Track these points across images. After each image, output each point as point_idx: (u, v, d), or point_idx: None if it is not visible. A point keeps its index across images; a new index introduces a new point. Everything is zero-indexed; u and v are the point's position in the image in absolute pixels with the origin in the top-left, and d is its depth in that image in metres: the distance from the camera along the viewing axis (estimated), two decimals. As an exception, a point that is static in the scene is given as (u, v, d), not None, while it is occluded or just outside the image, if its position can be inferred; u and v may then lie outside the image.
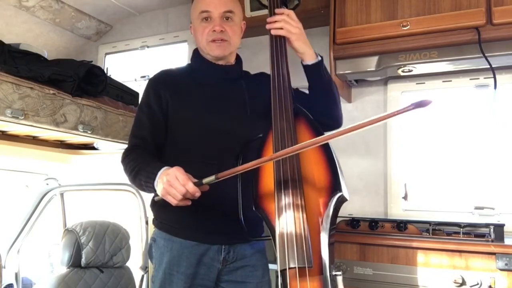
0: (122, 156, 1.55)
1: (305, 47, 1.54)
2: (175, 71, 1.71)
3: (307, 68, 1.57)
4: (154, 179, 1.37)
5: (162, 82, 1.62)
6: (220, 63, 1.63)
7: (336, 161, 1.39)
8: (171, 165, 1.48)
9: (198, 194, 1.31)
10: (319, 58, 1.57)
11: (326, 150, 1.41)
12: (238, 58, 1.71)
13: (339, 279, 1.27)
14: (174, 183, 1.30)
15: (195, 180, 1.32)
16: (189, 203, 1.34)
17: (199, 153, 1.52)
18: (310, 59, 1.55)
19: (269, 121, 1.45)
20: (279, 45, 1.54)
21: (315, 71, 1.57)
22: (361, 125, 1.09)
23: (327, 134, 1.27)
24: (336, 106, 1.63)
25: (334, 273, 1.25)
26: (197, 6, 1.61)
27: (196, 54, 1.68)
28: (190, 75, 1.64)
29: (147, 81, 1.75)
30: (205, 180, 1.30)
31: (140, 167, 1.45)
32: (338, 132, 1.14)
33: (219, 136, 1.53)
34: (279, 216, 1.30)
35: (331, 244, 1.30)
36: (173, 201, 1.33)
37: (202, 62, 1.65)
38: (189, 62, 1.72)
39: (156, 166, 1.40)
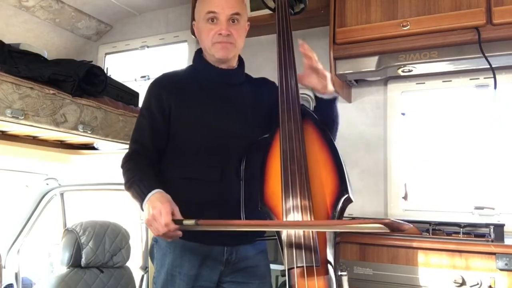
0: (122, 161, 1.54)
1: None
2: (176, 74, 1.66)
3: (320, 100, 1.53)
4: (143, 201, 1.37)
5: (164, 85, 1.58)
6: (222, 66, 1.59)
7: (343, 163, 1.39)
8: (173, 172, 1.50)
9: (178, 234, 1.32)
10: (336, 95, 1.54)
11: (333, 151, 1.41)
12: (240, 60, 1.67)
13: (345, 279, 1.28)
14: (158, 218, 1.30)
15: (178, 218, 1.31)
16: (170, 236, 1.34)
17: (201, 157, 1.51)
18: (327, 94, 1.51)
19: (274, 122, 1.45)
20: (287, 47, 1.53)
21: (328, 104, 1.53)
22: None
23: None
24: (334, 134, 1.57)
25: (339, 273, 1.26)
26: (203, 5, 1.56)
27: (199, 56, 1.64)
28: (192, 79, 1.60)
29: (147, 81, 1.74)
30: (185, 222, 1.30)
31: (133, 181, 1.43)
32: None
33: (221, 139, 1.52)
34: (286, 216, 1.30)
35: (336, 244, 1.31)
36: (155, 234, 1.34)
37: (204, 65, 1.61)
38: (191, 63, 1.70)
39: (147, 186, 1.38)
